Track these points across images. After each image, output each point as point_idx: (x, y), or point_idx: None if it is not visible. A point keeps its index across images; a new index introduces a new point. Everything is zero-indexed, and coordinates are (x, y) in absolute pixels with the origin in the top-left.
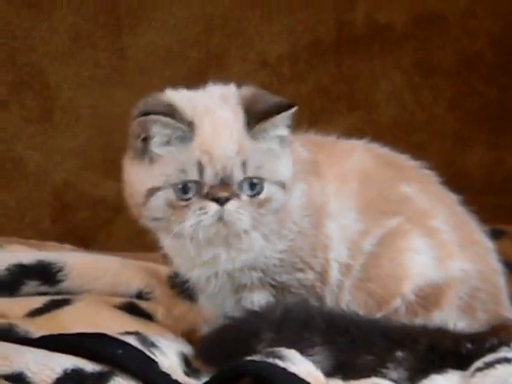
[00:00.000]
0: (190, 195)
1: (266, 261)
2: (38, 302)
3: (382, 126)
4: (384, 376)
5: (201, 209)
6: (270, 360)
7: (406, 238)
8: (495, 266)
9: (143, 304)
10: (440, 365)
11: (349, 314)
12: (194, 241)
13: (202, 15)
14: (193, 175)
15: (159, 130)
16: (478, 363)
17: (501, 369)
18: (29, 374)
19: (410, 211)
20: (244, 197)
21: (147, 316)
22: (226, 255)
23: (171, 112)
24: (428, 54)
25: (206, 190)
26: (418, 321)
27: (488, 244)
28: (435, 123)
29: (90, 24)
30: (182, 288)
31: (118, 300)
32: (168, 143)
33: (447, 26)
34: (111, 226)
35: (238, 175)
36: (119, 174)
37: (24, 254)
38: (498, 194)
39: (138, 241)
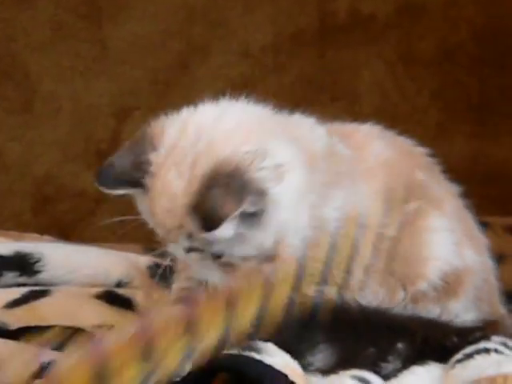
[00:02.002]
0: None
1: None
2: (17, 293)
3: (365, 117)
4: (380, 370)
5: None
6: (246, 353)
7: (426, 218)
8: (490, 262)
9: (121, 290)
10: (427, 357)
11: (352, 306)
12: None
13: (184, 5)
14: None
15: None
16: (458, 355)
17: (480, 359)
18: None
19: (428, 197)
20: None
21: (126, 302)
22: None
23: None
24: (410, 45)
25: None
26: (437, 308)
27: (484, 240)
28: (418, 114)
29: (70, 14)
30: (161, 277)
31: (96, 289)
32: None
33: (429, 16)
34: (93, 218)
35: (185, 243)
36: (100, 165)
37: (1, 244)
38: (480, 186)
39: (120, 232)
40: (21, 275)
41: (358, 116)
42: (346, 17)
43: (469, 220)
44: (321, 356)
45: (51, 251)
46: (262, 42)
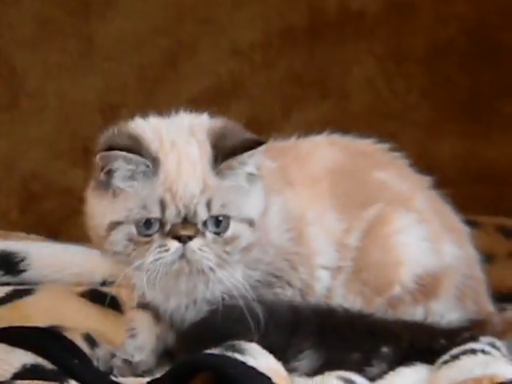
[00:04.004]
0: (151, 231)
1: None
2: (1, 291)
3: (355, 115)
4: (366, 373)
5: (162, 246)
6: (229, 354)
7: (390, 221)
8: (474, 252)
9: (106, 289)
10: (414, 359)
11: (338, 311)
12: (152, 275)
13: (173, 2)
14: (155, 212)
15: (122, 165)
16: (445, 357)
17: (466, 359)
18: None
19: (389, 196)
20: (209, 234)
21: (110, 300)
22: (204, 285)
23: (135, 147)
24: (400, 42)
25: (168, 227)
26: (419, 310)
27: (465, 229)
28: (408, 112)
29: (57, 10)
30: None
31: (81, 288)
32: (131, 178)
33: (419, 13)
34: (79, 216)
35: (203, 214)
36: (87, 162)
37: None
38: (472, 185)
39: None
40: (5, 274)
41: (348, 113)
42: (335, 14)
43: (446, 211)
44: (306, 361)
45: (37, 250)
46: (251, 38)
